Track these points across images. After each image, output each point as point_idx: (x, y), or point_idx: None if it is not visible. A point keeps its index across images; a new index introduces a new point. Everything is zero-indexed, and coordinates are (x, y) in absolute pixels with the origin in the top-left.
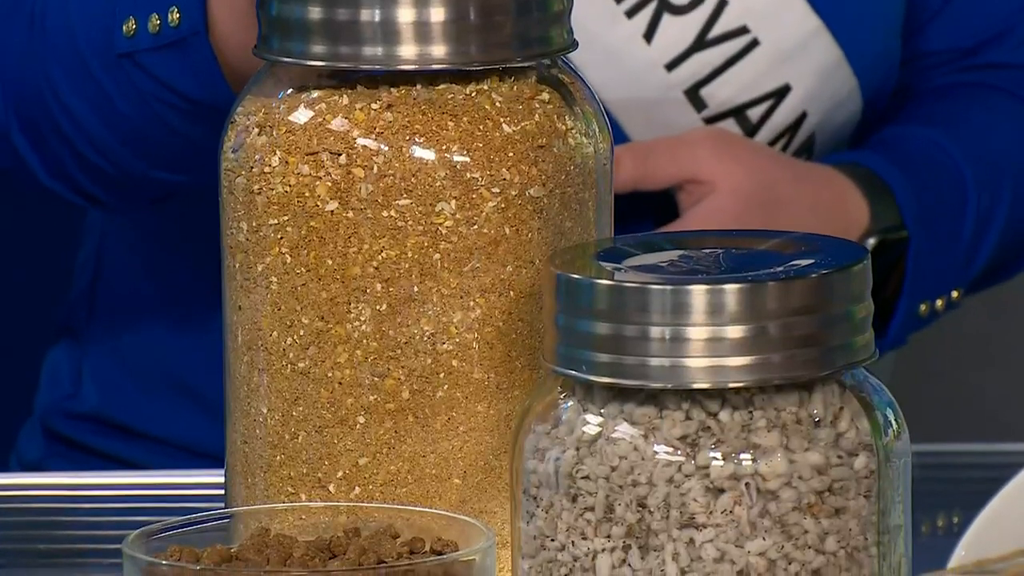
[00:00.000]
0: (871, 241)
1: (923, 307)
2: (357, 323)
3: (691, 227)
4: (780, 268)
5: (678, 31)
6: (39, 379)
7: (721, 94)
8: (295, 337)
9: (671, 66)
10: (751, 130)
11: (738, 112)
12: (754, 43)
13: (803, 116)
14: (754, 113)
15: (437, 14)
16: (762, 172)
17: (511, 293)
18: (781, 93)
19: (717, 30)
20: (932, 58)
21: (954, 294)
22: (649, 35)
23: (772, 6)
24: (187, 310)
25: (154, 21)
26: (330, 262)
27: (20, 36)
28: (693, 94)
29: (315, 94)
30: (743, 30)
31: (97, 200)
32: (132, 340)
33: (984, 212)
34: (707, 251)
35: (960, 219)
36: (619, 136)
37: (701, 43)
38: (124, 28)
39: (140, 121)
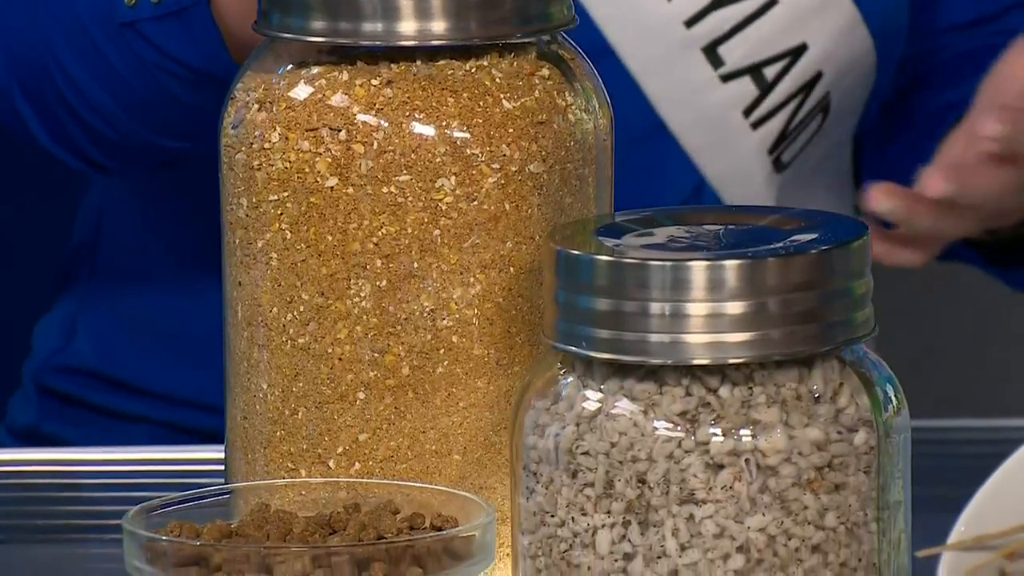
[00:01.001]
0: None
1: None
2: (357, 299)
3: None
4: (780, 244)
5: None
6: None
7: (738, 51)
8: (295, 313)
9: (690, 23)
10: (766, 88)
11: (754, 70)
12: (773, 1)
13: (818, 75)
14: (770, 71)
15: None
16: None
17: (511, 269)
18: (797, 52)
19: None
20: (955, 29)
21: None
22: None
23: None
24: (190, 271)
25: None
26: (330, 238)
27: (22, 5)
28: (711, 51)
29: (315, 70)
30: None
31: (99, 165)
32: (133, 299)
33: None
34: (707, 227)
35: None
36: (634, 90)
37: (721, 0)
38: None
39: (143, 90)
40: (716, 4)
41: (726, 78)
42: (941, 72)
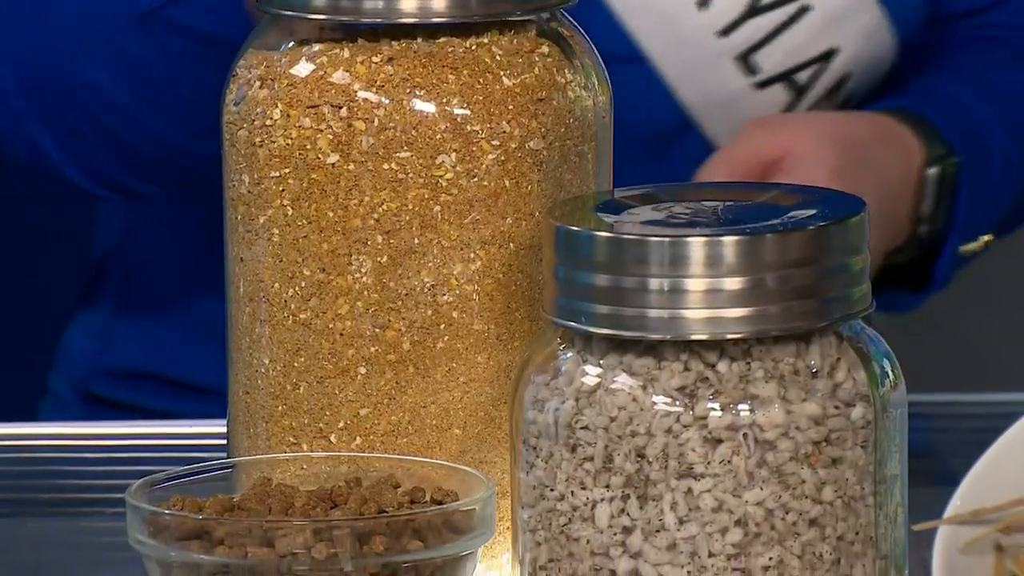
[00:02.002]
0: (932, 172)
1: (966, 247)
2: (358, 275)
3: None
4: (778, 220)
5: None
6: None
7: (772, 59)
8: (296, 289)
9: (724, 32)
10: (798, 93)
11: (786, 76)
12: (805, 8)
13: (845, 78)
14: (801, 77)
15: None
16: (833, 127)
17: (511, 245)
18: (827, 56)
19: None
20: (954, 18)
21: (987, 237)
22: (704, 1)
23: None
24: (219, 273)
25: None
26: (331, 214)
27: (30, 21)
28: (744, 60)
29: (316, 47)
30: None
31: (126, 189)
32: (167, 302)
33: (1006, 157)
34: (706, 203)
35: (988, 161)
36: (670, 100)
37: (755, 9)
38: None
39: (171, 82)
40: (750, 13)
41: (760, 85)
42: (932, 59)
